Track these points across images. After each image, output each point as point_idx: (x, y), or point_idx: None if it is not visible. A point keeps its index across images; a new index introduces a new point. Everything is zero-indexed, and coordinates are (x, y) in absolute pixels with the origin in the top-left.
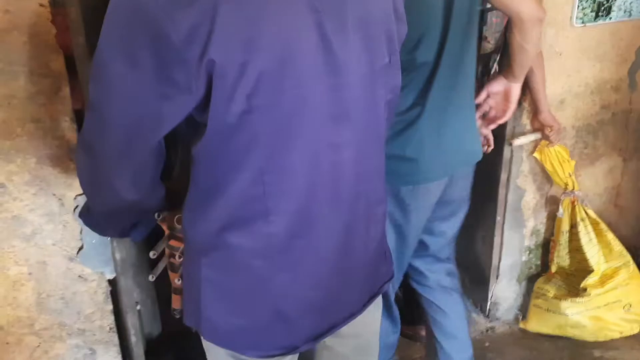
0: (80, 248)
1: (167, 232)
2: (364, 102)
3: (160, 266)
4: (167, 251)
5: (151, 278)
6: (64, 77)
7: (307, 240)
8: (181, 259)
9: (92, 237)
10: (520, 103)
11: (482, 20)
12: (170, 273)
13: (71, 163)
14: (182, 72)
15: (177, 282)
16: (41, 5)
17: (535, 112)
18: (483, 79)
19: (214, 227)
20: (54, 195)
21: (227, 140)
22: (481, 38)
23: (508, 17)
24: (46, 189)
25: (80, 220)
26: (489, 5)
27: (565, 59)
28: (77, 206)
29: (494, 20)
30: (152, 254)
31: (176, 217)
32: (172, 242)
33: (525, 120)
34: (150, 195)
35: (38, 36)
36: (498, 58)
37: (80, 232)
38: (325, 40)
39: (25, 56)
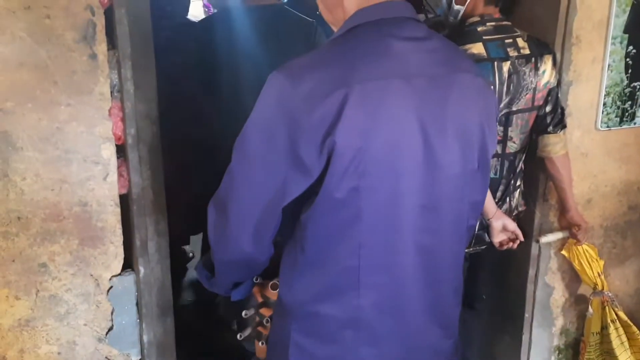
0: (110, 329)
1: (259, 300)
2: (453, 198)
3: (246, 332)
4: (257, 319)
5: (239, 337)
6: (113, 164)
7: (392, 317)
8: (268, 328)
9: (123, 318)
10: (547, 200)
11: (508, 122)
12: (256, 341)
13: (111, 245)
14: (307, 150)
15: (260, 345)
16: (100, 99)
17: (562, 211)
18: (509, 176)
19: (309, 294)
20: (91, 275)
21: (334, 211)
22: (507, 138)
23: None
24: (85, 269)
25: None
26: (514, 108)
27: (591, 160)
28: (111, 287)
29: (519, 122)
30: (244, 314)
31: (271, 283)
32: (263, 310)
33: (553, 218)
34: (265, 252)
35: (95, 127)
36: (524, 157)
37: (112, 313)
38: (427, 141)
39: (81, 144)
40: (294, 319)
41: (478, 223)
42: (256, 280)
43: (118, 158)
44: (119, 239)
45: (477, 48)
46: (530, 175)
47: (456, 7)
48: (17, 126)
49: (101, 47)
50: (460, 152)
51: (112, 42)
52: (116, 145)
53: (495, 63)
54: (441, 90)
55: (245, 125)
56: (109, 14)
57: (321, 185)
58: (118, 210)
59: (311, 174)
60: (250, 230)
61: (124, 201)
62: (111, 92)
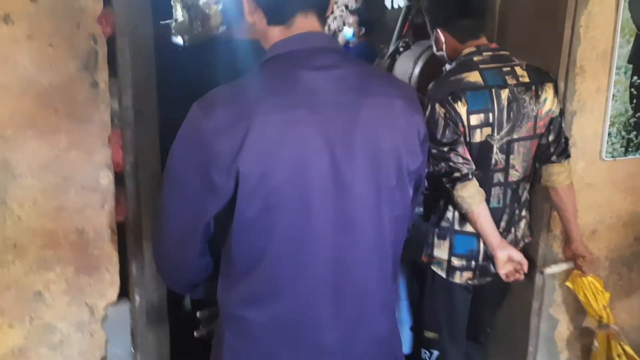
0: (103, 358)
1: None
2: (368, 215)
3: (201, 331)
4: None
5: (195, 334)
6: (110, 192)
7: (310, 327)
8: None
9: (117, 348)
10: (551, 231)
11: (509, 149)
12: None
13: (107, 273)
14: (217, 174)
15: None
16: (100, 127)
17: (567, 241)
18: (513, 206)
19: (237, 299)
20: (86, 304)
21: (249, 228)
22: (509, 166)
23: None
24: (80, 297)
25: None
26: (515, 135)
27: (596, 191)
28: (106, 315)
29: (521, 150)
30: (198, 314)
31: None
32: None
33: (557, 249)
34: (195, 257)
35: (94, 154)
36: (528, 187)
37: (106, 343)
38: (335, 164)
39: (79, 172)
40: (226, 320)
41: (482, 253)
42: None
43: (116, 185)
44: (115, 267)
45: (474, 76)
46: (534, 206)
47: (438, 53)
48: (17, 154)
49: (102, 76)
50: (372, 171)
51: (113, 70)
52: (115, 173)
53: (493, 90)
54: (348, 116)
55: (170, 149)
56: (111, 42)
57: (234, 206)
58: (115, 237)
59: (222, 196)
60: (176, 240)
61: (122, 228)
62: (111, 120)
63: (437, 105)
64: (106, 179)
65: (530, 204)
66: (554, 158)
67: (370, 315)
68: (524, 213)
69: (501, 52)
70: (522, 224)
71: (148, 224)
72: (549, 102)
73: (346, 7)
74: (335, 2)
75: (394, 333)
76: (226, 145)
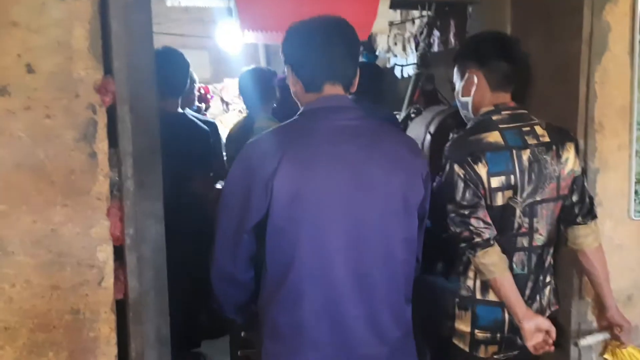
0: None
1: None
2: (378, 234)
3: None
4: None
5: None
6: (109, 268)
7: (331, 327)
8: None
9: None
10: (583, 298)
11: (532, 212)
12: None
13: (103, 357)
14: (257, 189)
15: None
16: (98, 199)
17: (601, 309)
18: (538, 272)
19: (270, 303)
20: None
21: (279, 235)
22: (532, 230)
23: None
24: None
25: None
26: (538, 198)
27: (627, 252)
28: None
29: (544, 213)
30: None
31: None
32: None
33: (591, 317)
34: (242, 271)
35: (91, 228)
36: (552, 251)
37: None
38: (349, 192)
39: (75, 247)
40: (265, 327)
41: (507, 324)
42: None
43: (115, 260)
44: (112, 349)
45: (494, 137)
46: (562, 270)
47: (463, 99)
48: (10, 230)
49: (101, 146)
50: (382, 200)
51: (114, 140)
52: (114, 247)
53: (514, 151)
54: (360, 156)
55: (225, 183)
56: (111, 111)
57: (267, 217)
58: (113, 317)
59: (259, 208)
60: (227, 252)
61: (123, 306)
62: (111, 191)
63: (456, 166)
64: (104, 253)
65: (557, 269)
66: (579, 219)
67: (385, 321)
68: (548, 279)
69: (520, 111)
70: (547, 290)
71: (150, 300)
72: (570, 161)
73: None
74: None
75: (408, 341)
76: (265, 167)
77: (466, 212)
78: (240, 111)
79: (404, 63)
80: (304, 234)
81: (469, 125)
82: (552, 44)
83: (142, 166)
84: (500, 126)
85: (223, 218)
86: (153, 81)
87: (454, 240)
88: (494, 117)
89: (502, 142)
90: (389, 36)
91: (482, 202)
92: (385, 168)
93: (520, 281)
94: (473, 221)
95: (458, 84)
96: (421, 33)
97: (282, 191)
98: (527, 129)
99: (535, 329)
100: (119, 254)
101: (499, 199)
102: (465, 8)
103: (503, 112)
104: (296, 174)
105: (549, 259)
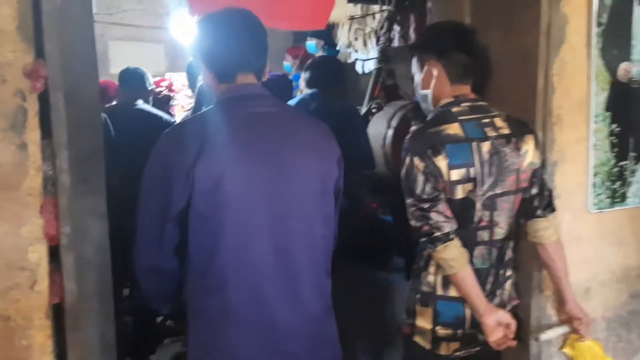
0: None
1: None
2: (300, 212)
3: None
4: None
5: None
6: (43, 270)
7: (257, 307)
8: None
9: None
10: (542, 291)
11: (493, 205)
12: None
13: None
14: (177, 179)
15: None
16: (30, 195)
17: (560, 303)
18: (498, 266)
19: (198, 291)
20: None
21: (202, 223)
22: (493, 223)
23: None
24: None
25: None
26: (499, 190)
27: (585, 245)
28: None
29: (504, 206)
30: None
31: None
32: None
33: (551, 311)
34: (165, 260)
35: (22, 227)
36: (512, 245)
37: None
38: (269, 173)
39: (4, 248)
40: (191, 314)
41: (469, 320)
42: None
43: (51, 262)
44: (48, 359)
45: (454, 129)
46: (522, 265)
47: (422, 92)
48: None
49: (32, 136)
50: (300, 180)
51: (48, 130)
52: (50, 247)
53: (474, 144)
54: (277, 140)
55: (144, 170)
56: (44, 99)
57: (190, 205)
58: (48, 324)
59: (182, 195)
60: (150, 242)
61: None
62: (45, 186)
63: (415, 159)
64: (36, 254)
65: (517, 263)
66: (539, 212)
67: (305, 295)
68: (508, 273)
69: (480, 103)
70: (508, 285)
71: (93, 305)
72: (530, 154)
73: None
74: None
75: (327, 313)
76: (185, 157)
77: (426, 206)
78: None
79: (364, 58)
80: (227, 219)
81: (428, 118)
82: (511, 36)
83: (83, 160)
84: (460, 118)
85: (143, 209)
86: (94, 69)
87: (414, 235)
88: (454, 109)
89: (462, 134)
90: (349, 31)
91: (442, 196)
92: (301, 152)
93: (480, 276)
94: (433, 215)
95: (417, 76)
96: (381, 28)
97: (204, 179)
98: (487, 120)
99: (496, 323)
100: (55, 254)
101: (459, 192)
102: (425, 2)
103: (462, 104)
104: (217, 161)
105: (509, 253)
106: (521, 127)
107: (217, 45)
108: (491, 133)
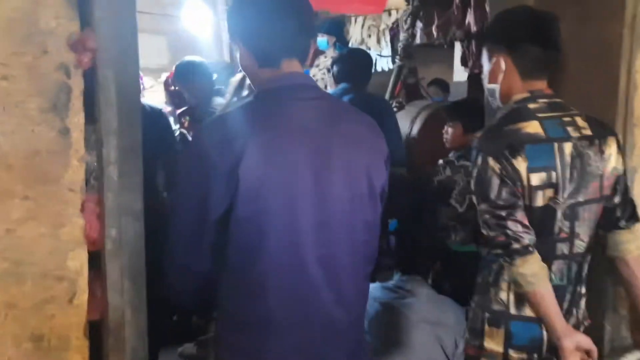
0: None
1: None
2: (343, 217)
3: None
4: None
5: None
6: (83, 280)
7: (299, 313)
8: None
9: None
10: (616, 311)
11: (574, 215)
12: None
13: None
14: (218, 180)
15: None
16: (71, 190)
17: (637, 324)
18: (576, 283)
19: (232, 296)
20: None
21: (243, 228)
22: (574, 235)
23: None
24: None
25: None
26: (581, 199)
27: None
28: None
29: (586, 216)
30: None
31: None
32: None
33: (626, 332)
34: (198, 262)
35: (61, 228)
36: (589, 259)
37: None
38: (315, 174)
39: (40, 253)
40: (222, 316)
41: (546, 343)
42: None
43: (90, 270)
44: None
45: (533, 127)
46: (594, 281)
47: (489, 86)
48: None
49: (76, 120)
50: (346, 182)
51: (91, 114)
52: (89, 253)
53: (556, 144)
54: (325, 136)
55: (178, 166)
56: (89, 77)
57: (232, 208)
58: (86, 344)
59: (224, 198)
60: (186, 244)
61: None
62: (87, 181)
63: (490, 160)
64: (76, 261)
65: (589, 279)
66: (622, 223)
67: (349, 304)
68: (584, 290)
69: (557, 100)
70: (583, 303)
71: (127, 319)
72: (613, 158)
73: (327, 70)
74: (317, 65)
75: (360, 320)
76: (227, 155)
77: (503, 214)
78: None
79: (377, 55)
80: (272, 222)
81: (499, 114)
82: (587, 26)
83: (128, 151)
84: (539, 115)
85: (180, 212)
86: (136, 46)
87: (486, 246)
88: (531, 106)
89: (543, 134)
90: (363, 27)
91: (521, 202)
92: (349, 149)
93: (558, 293)
94: (510, 224)
95: (485, 68)
96: (405, 23)
97: (250, 179)
98: (568, 119)
99: (575, 348)
100: (94, 261)
101: (539, 199)
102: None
103: (539, 100)
104: (263, 160)
105: (586, 268)
106: (603, 129)
107: (261, 23)
108: (574, 133)
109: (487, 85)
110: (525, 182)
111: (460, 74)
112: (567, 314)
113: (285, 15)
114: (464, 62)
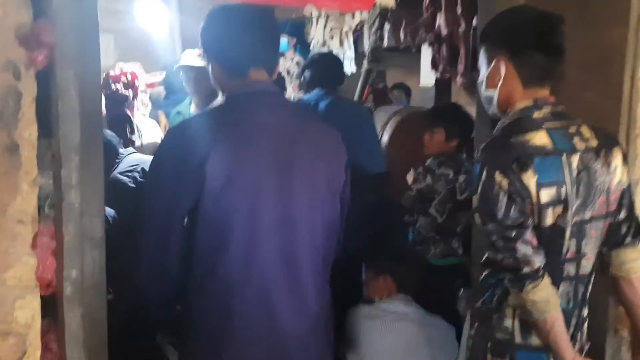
0: None
1: None
2: (305, 215)
3: None
4: None
5: None
6: (34, 333)
7: (262, 308)
8: None
9: None
10: (616, 331)
11: (580, 233)
12: None
13: None
14: (189, 176)
15: None
16: (20, 221)
17: (637, 345)
18: (581, 305)
19: (200, 294)
20: None
21: (212, 223)
22: (580, 255)
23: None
24: None
25: None
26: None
27: None
28: None
29: (593, 234)
30: None
31: None
32: None
33: (627, 355)
34: (175, 261)
35: (7, 270)
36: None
37: None
38: (278, 175)
39: None
40: (188, 318)
41: None
42: None
43: (43, 319)
44: None
45: (540, 138)
46: (595, 301)
47: (486, 92)
48: None
49: (27, 134)
50: (308, 183)
51: (46, 125)
52: (42, 298)
53: (564, 157)
54: (288, 140)
55: (149, 166)
56: (43, 80)
57: (198, 207)
58: None
59: (192, 193)
60: (156, 239)
61: None
62: (39, 209)
63: (497, 175)
64: (27, 311)
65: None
66: (627, 241)
67: (310, 304)
68: (586, 312)
69: (560, 108)
70: (585, 326)
71: None
72: (619, 171)
73: (288, 72)
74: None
75: (328, 324)
76: (196, 152)
77: (511, 235)
78: None
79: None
80: (236, 219)
81: (501, 124)
82: (587, 30)
83: (92, 171)
84: (545, 125)
85: (150, 205)
86: (98, 35)
87: (492, 269)
88: (536, 115)
89: (551, 145)
90: (325, 28)
91: (530, 222)
92: (310, 153)
93: (565, 318)
94: (520, 246)
95: (482, 71)
96: (373, 23)
97: (214, 177)
98: (573, 129)
99: None
100: (48, 307)
101: (549, 218)
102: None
103: (544, 108)
104: (228, 158)
105: (589, 289)
106: (608, 139)
107: (230, 37)
108: (580, 145)
109: (483, 90)
110: (534, 199)
111: (426, 79)
112: (571, 339)
113: (250, 29)
114: (434, 66)
